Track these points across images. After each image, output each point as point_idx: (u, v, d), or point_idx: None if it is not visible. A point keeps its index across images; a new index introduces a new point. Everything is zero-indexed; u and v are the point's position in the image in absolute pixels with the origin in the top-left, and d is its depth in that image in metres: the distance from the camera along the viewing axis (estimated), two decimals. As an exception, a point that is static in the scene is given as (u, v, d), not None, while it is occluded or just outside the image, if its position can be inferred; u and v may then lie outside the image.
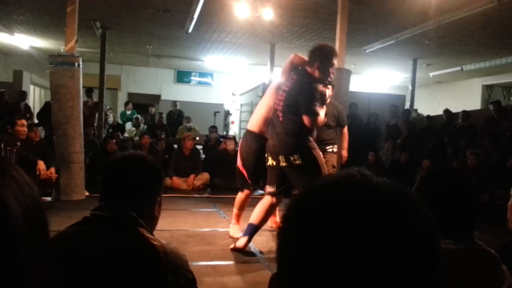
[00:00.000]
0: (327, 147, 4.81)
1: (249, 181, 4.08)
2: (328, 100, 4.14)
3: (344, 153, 5.18)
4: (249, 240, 3.68)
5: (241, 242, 3.66)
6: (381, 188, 0.50)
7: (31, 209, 0.48)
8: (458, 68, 11.83)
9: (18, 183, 0.48)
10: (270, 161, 3.61)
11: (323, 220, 0.47)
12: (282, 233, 0.52)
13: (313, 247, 0.47)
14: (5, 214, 0.45)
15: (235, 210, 4.24)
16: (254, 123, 4.03)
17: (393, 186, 0.51)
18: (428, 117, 9.50)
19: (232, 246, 3.75)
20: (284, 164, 3.49)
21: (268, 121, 3.83)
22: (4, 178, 0.47)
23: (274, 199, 3.68)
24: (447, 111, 8.92)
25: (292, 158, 3.45)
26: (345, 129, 5.18)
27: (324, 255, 0.46)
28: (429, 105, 13.99)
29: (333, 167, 4.87)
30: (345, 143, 5.20)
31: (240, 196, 4.20)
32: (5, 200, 0.45)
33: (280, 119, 3.52)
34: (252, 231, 3.65)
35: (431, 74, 13.00)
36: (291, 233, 0.51)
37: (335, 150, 4.98)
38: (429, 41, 9.11)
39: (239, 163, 4.15)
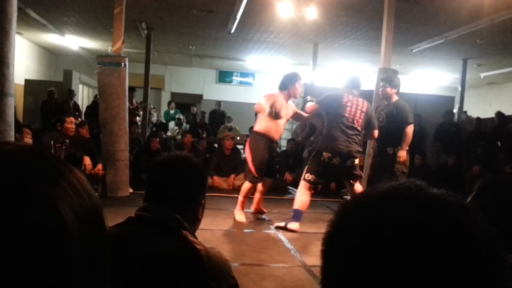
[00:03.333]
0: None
1: (256, 175, 4.73)
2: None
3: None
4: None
5: (295, 226, 4.39)
6: (440, 200, 0.47)
7: (90, 223, 0.44)
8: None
9: (76, 193, 0.44)
10: (333, 160, 4.44)
11: (379, 235, 0.44)
12: (330, 248, 0.49)
13: (369, 265, 0.44)
14: (61, 231, 0.40)
15: (241, 198, 4.88)
16: (274, 130, 4.79)
17: (452, 198, 0.48)
18: (478, 119, 9.07)
19: (283, 225, 4.46)
20: (349, 164, 4.48)
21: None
22: (60, 188, 0.42)
23: (308, 185, 4.54)
24: (499, 114, 8.46)
25: (356, 161, 4.56)
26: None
27: (380, 272, 0.43)
28: (479, 107, 13.38)
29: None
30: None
31: (246, 186, 4.87)
32: (62, 215, 0.41)
33: (360, 129, 4.53)
34: (300, 215, 4.45)
35: (482, 75, 12.42)
36: (340, 248, 0.47)
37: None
38: (481, 40, 8.70)
39: (249, 159, 4.80)
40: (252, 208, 5.24)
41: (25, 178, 0.41)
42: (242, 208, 4.91)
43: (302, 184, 4.58)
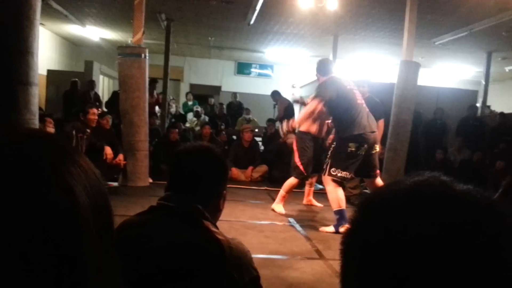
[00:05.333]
0: None
1: (305, 173, 4.81)
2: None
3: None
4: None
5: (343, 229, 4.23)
6: (466, 198, 0.45)
7: (98, 200, 0.47)
8: (538, 62, 10.92)
9: (85, 173, 0.47)
10: (361, 149, 4.17)
11: (401, 236, 0.43)
12: (350, 247, 0.48)
13: (391, 266, 0.42)
14: (74, 204, 0.43)
15: (283, 192, 4.88)
16: (316, 128, 4.94)
17: (479, 195, 0.45)
18: (502, 114, 8.85)
19: (332, 230, 4.15)
20: (374, 151, 4.33)
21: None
22: (72, 167, 0.45)
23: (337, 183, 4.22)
24: None
25: (378, 148, 4.45)
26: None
27: (403, 273, 0.42)
28: (504, 101, 13.05)
29: None
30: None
31: (291, 181, 4.85)
32: (74, 190, 0.44)
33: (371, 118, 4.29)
34: (345, 213, 4.10)
35: (507, 69, 12.10)
36: (361, 248, 0.46)
37: None
38: (507, 32, 8.45)
39: (297, 159, 4.88)
40: (304, 201, 5.45)
41: (41, 159, 0.44)
42: (282, 201, 4.91)
43: (331, 183, 4.18)
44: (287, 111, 9.21)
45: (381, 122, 5.26)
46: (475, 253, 0.41)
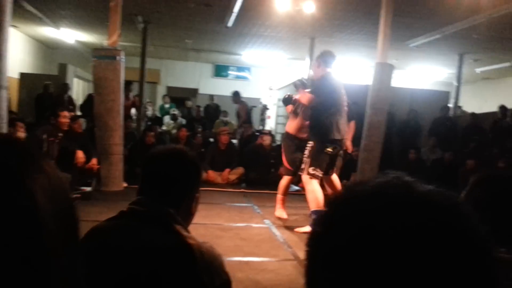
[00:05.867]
0: None
1: (291, 168, 4.70)
2: None
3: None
4: None
5: None
6: (428, 199, 0.45)
7: (61, 206, 0.47)
8: (508, 64, 11.25)
9: (49, 178, 0.47)
10: (336, 150, 4.31)
11: (364, 239, 0.43)
12: (315, 248, 0.48)
13: (355, 268, 0.43)
14: (33, 209, 0.44)
15: (279, 196, 4.79)
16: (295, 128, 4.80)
17: (441, 195, 0.46)
18: (473, 114, 9.09)
19: (308, 230, 4.03)
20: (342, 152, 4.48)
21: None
22: (35, 172, 0.46)
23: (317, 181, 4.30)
24: (502, 107, 8.42)
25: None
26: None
27: (366, 274, 0.42)
28: (475, 102, 13.40)
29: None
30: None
31: (283, 182, 4.77)
32: (34, 195, 0.44)
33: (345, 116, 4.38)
34: None
35: (478, 70, 12.43)
36: (326, 251, 0.46)
37: None
38: (478, 35, 8.69)
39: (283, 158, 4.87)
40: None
41: (3, 164, 0.45)
42: (282, 205, 4.80)
43: (310, 181, 4.24)
44: (248, 115, 9.20)
45: (353, 123, 5.42)
46: (434, 256, 0.41)
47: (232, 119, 10.60)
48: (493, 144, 7.96)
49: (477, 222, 0.46)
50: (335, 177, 4.59)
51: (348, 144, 5.31)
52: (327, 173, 4.49)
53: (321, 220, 0.49)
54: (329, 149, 4.28)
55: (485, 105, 12.85)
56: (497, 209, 1.21)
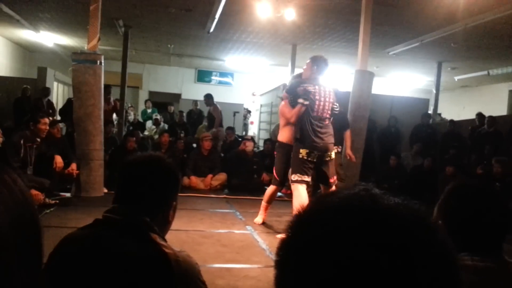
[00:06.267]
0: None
1: (278, 178, 4.66)
2: None
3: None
4: None
5: None
6: (393, 212, 0.46)
7: (22, 217, 0.47)
8: (485, 73, 11.53)
9: (9, 189, 0.46)
10: (311, 155, 4.27)
11: (326, 254, 0.44)
12: (280, 264, 0.49)
13: (316, 284, 0.43)
14: None
15: (263, 203, 4.80)
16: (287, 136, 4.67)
17: (406, 208, 0.47)
18: (452, 121, 9.27)
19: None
20: (329, 158, 4.38)
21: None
22: None
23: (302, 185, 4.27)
24: (480, 115, 8.60)
25: (334, 152, 4.54)
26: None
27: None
28: (453, 109, 13.69)
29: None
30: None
31: (269, 190, 4.74)
32: None
33: (326, 122, 4.34)
34: None
35: (456, 78, 12.71)
36: (292, 262, 0.47)
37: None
38: (455, 44, 8.89)
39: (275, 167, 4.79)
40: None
41: None
42: (264, 212, 4.83)
43: (296, 187, 4.25)
44: (221, 117, 9.16)
45: (348, 132, 5.37)
46: (399, 274, 0.42)
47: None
48: (472, 151, 8.12)
49: (442, 235, 0.46)
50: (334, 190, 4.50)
51: (349, 152, 5.28)
52: (324, 182, 4.51)
53: (287, 229, 0.50)
54: (302, 154, 4.25)
55: (463, 112, 13.14)
56: (467, 218, 1.24)
